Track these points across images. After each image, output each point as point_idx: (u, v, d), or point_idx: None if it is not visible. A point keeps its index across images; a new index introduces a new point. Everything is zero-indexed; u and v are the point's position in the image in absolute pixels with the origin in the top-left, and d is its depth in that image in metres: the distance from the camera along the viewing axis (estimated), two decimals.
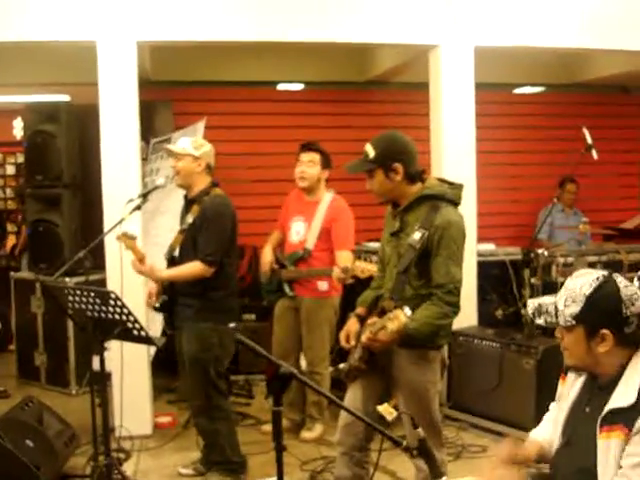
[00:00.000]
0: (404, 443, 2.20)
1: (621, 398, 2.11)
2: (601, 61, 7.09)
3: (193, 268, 3.93)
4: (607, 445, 2.09)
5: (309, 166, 4.84)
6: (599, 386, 2.22)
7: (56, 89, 6.99)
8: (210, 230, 3.95)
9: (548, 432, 2.49)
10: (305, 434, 4.91)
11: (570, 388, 2.36)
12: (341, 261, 4.62)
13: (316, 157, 4.84)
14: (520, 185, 7.72)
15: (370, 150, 3.16)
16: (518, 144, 7.62)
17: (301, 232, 4.90)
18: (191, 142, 4.11)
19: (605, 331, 2.14)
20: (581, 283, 2.19)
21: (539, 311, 2.27)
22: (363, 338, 3.06)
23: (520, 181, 7.73)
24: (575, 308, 2.17)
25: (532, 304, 2.30)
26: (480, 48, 5.33)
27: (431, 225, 3.05)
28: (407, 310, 2.87)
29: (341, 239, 4.80)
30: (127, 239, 3.76)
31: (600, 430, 2.12)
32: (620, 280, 2.20)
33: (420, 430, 2.22)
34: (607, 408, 2.12)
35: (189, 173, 4.06)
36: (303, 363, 5.06)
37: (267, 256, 4.99)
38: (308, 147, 4.90)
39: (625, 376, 2.14)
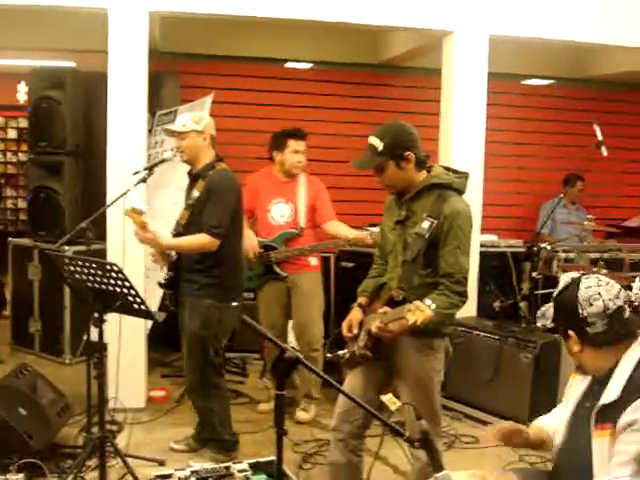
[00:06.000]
0: (407, 434, 2.18)
1: (610, 394, 2.10)
2: (612, 57, 7.03)
3: (198, 239, 3.87)
4: (601, 444, 2.08)
5: (305, 154, 4.86)
6: (597, 381, 2.20)
7: (62, 55, 6.92)
8: (215, 203, 3.91)
9: (553, 422, 2.49)
10: (300, 415, 4.88)
11: (580, 383, 2.34)
12: (341, 230, 4.74)
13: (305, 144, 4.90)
14: (525, 177, 7.67)
15: (377, 142, 3.03)
16: (525, 136, 7.56)
17: (286, 213, 4.85)
18: (190, 117, 4.05)
19: (570, 332, 2.17)
20: (559, 285, 2.26)
21: (540, 315, 2.35)
22: (373, 328, 2.98)
23: (525, 173, 7.68)
24: (551, 310, 2.28)
25: (540, 311, 2.37)
26: (493, 37, 5.27)
27: (440, 214, 3.00)
28: (429, 302, 2.77)
29: (330, 210, 4.90)
30: (135, 214, 3.69)
31: (594, 428, 2.10)
32: (587, 281, 2.19)
33: (423, 421, 2.19)
34: (599, 404, 2.11)
35: (195, 149, 4.02)
36: (292, 340, 4.99)
37: (252, 240, 4.82)
38: (303, 134, 4.87)
39: (617, 371, 2.13)
